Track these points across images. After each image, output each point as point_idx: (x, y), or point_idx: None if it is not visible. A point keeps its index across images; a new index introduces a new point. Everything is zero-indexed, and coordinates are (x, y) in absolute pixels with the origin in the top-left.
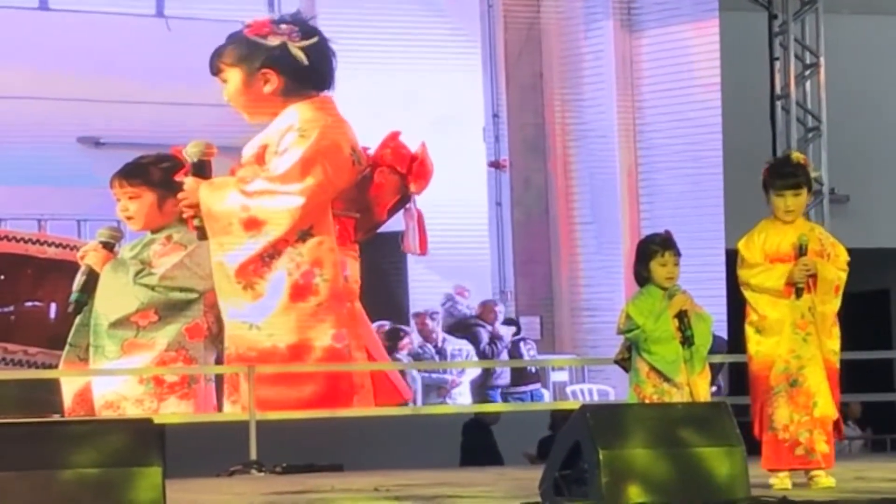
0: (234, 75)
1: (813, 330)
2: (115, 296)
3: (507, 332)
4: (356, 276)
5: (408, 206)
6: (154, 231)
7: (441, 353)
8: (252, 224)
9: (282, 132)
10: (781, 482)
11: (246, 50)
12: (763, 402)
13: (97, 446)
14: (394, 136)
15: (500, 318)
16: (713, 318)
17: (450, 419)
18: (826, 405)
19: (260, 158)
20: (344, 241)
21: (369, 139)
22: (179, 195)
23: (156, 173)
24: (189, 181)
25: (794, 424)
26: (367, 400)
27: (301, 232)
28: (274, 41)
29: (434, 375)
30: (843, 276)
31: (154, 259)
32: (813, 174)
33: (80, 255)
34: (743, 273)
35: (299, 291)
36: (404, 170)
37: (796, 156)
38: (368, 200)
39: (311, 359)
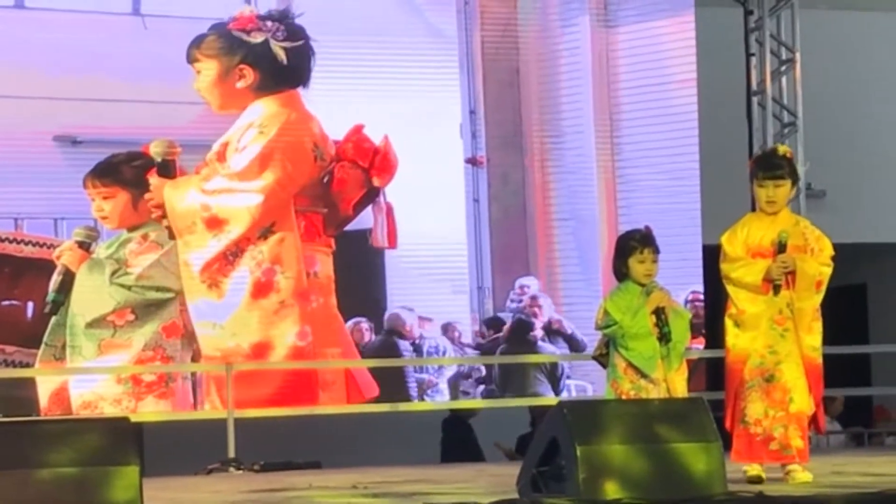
0: (209, 67)
1: (791, 326)
2: (92, 296)
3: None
4: (328, 271)
5: (377, 199)
6: (130, 230)
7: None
8: (214, 223)
9: (243, 129)
10: (753, 468)
11: (227, 43)
12: (736, 394)
13: (74, 446)
14: (357, 130)
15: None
16: (690, 314)
17: (429, 416)
18: (802, 401)
19: (221, 156)
20: (312, 237)
21: (343, 135)
22: (146, 195)
23: (128, 172)
24: (154, 181)
25: (767, 419)
26: (338, 397)
27: (263, 229)
28: (257, 38)
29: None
30: (827, 271)
31: (130, 258)
32: (800, 169)
33: (56, 254)
34: (724, 267)
35: (261, 289)
36: (366, 164)
37: (783, 149)
38: (332, 196)
39: (275, 357)
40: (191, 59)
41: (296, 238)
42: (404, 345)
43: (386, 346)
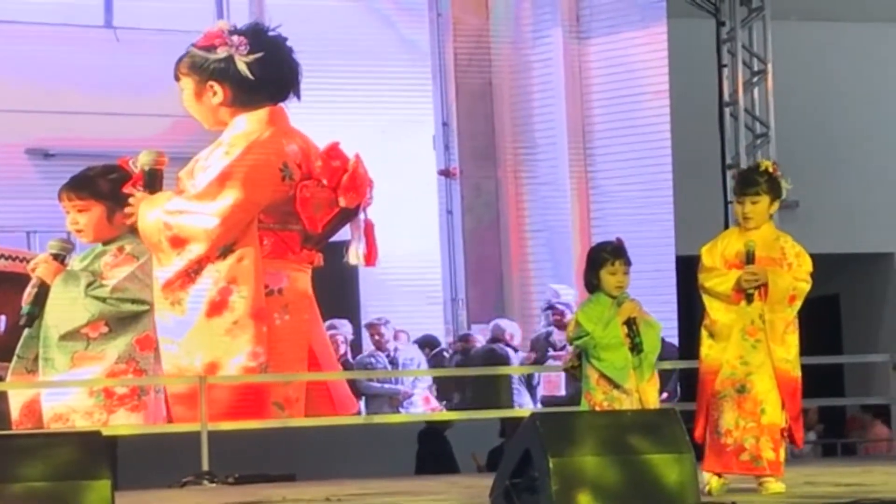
0: (187, 84)
1: (763, 337)
2: (66, 308)
3: None
4: (303, 287)
5: (355, 217)
6: (105, 243)
7: (393, 362)
8: (177, 242)
9: (213, 147)
10: (710, 483)
11: (198, 60)
12: (708, 405)
13: (45, 460)
14: (332, 148)
15: None
16: (662, 325)
17: (404, 428)
18: (774, 413)
19: (190, 173)
20: (284, 254)
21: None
22: (127, 209)
23: (104, 185)
24: (136, 195)
25: (739, 430)
26: (298, 415)
27: (223, 248)
28: (221, 53)
29: (386, 385)
30: (803, 286)
31: (105, 271)
32: (785, 186)
33: (31, 267)
34: (700, 277)
35: (215, 308)
36: (333, 183)
37: (765, 163)
38: (297, 214)
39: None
40: (176, 78)
41: (256, 256)
42: (509, 352)
43: (489, 353)
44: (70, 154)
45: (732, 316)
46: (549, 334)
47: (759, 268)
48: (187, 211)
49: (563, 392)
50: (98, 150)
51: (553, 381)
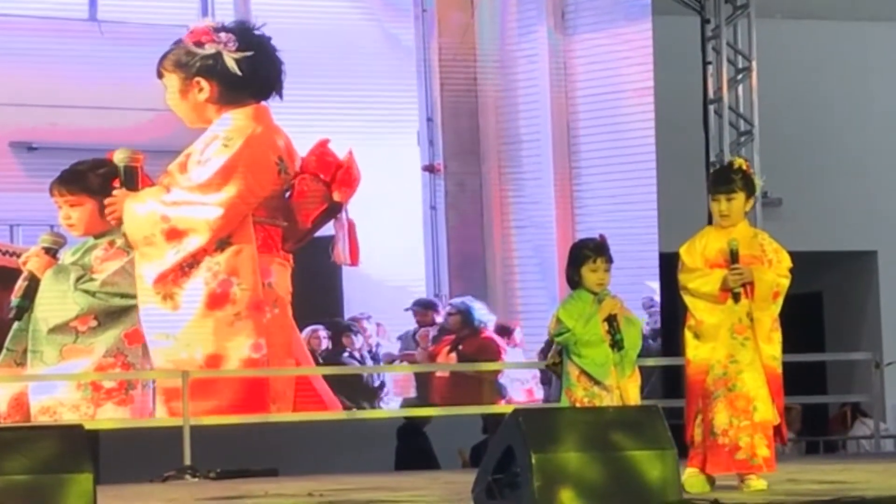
0: (172, 81)
1: (751, 335)
2: (56, 301)
3: None
4: (285, 283)
5: (338, 215)
6: (96, 236)
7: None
8: (173, 234)
9: (207, 140)
10: (693, 485)
11: (184, 56)
12: (702, 407)
13: (27, 453)
14: (322, 144)
15: None
16: (643, 322)
17: (385, 424)
18: (766, 410)
19: (183, 167)
20: (270, 249)
21: (301, 145)
22: (107, 201)
23: (94, 180)
24: (118, 192)
25: (733, 429)
26: (286, 409)
27: (220, 241)
28: (210, 49)
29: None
30: (784, 282)
31: (96, 264)
32: (758, 182)
33: (23, 260)
34: (682, 277)
35: (216, 300)
36: (328, 177)
37: (738, 161)
38: (292, 208)
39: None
40: (159, 75)
41: (253, 250)
42: None
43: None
44: (54, 147)
45: (719, 315)
46: (416, 332)
47: (744, 266)
48: (188, 202)
49: (413, 394)
50: (82, 144)
51: (402, 384)
